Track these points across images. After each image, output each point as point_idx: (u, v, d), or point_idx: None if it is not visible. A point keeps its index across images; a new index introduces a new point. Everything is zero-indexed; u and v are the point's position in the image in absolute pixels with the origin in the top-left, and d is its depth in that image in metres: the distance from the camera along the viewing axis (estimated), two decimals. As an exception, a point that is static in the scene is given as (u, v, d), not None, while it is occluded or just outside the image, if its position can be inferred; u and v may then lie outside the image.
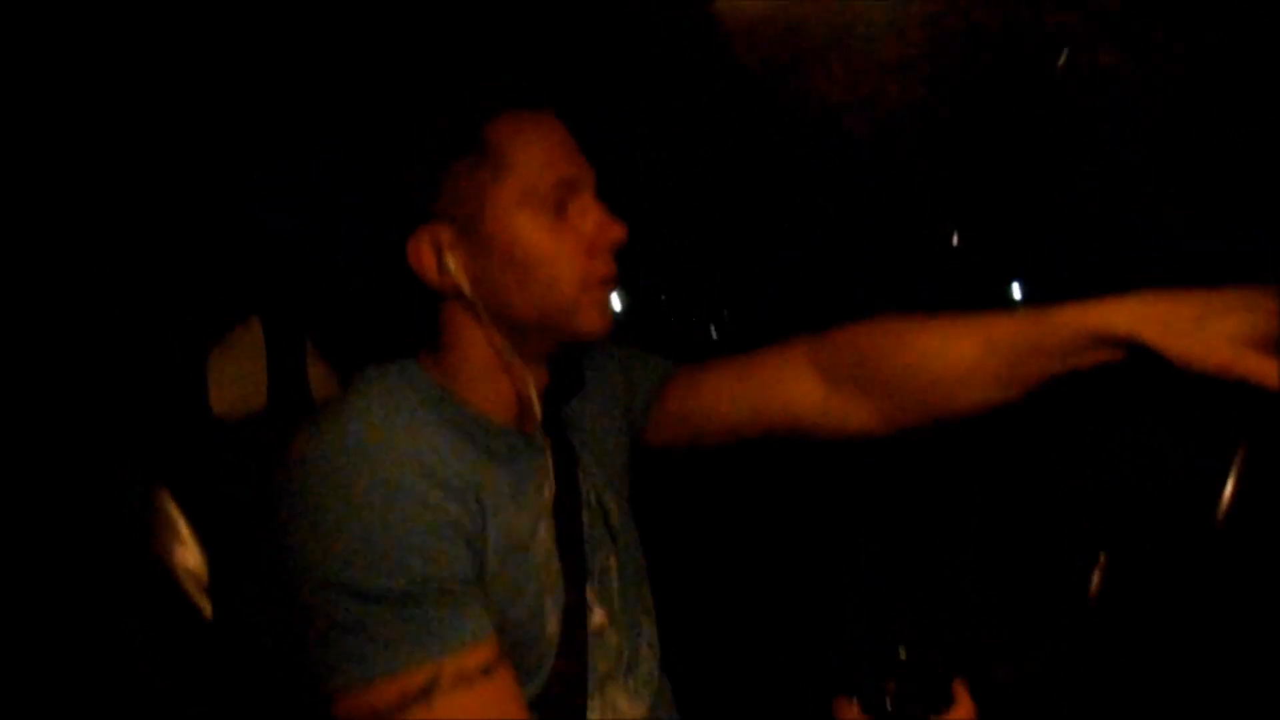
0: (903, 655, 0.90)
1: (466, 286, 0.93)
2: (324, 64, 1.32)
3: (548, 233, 0.93)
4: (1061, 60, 1.11)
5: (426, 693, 0.79)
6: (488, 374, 0.97)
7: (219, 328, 1.07)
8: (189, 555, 0.97)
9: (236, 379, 1.06)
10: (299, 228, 1.31)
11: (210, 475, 0.99)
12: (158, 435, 1.01)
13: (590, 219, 0.96)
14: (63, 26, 1.13)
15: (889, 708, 0.87)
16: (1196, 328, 0.89)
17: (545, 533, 0.97)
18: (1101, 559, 1.23)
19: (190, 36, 1.25)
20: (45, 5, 1.10)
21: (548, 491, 1.00)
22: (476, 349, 0.96)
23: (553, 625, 0.94)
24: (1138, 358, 0.93)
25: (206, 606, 0.96)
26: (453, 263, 0.93)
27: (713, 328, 2.00)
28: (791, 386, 1.12)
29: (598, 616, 1.01)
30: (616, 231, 0.96)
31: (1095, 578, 1.22)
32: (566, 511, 1.02)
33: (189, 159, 1.33)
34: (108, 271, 1.24)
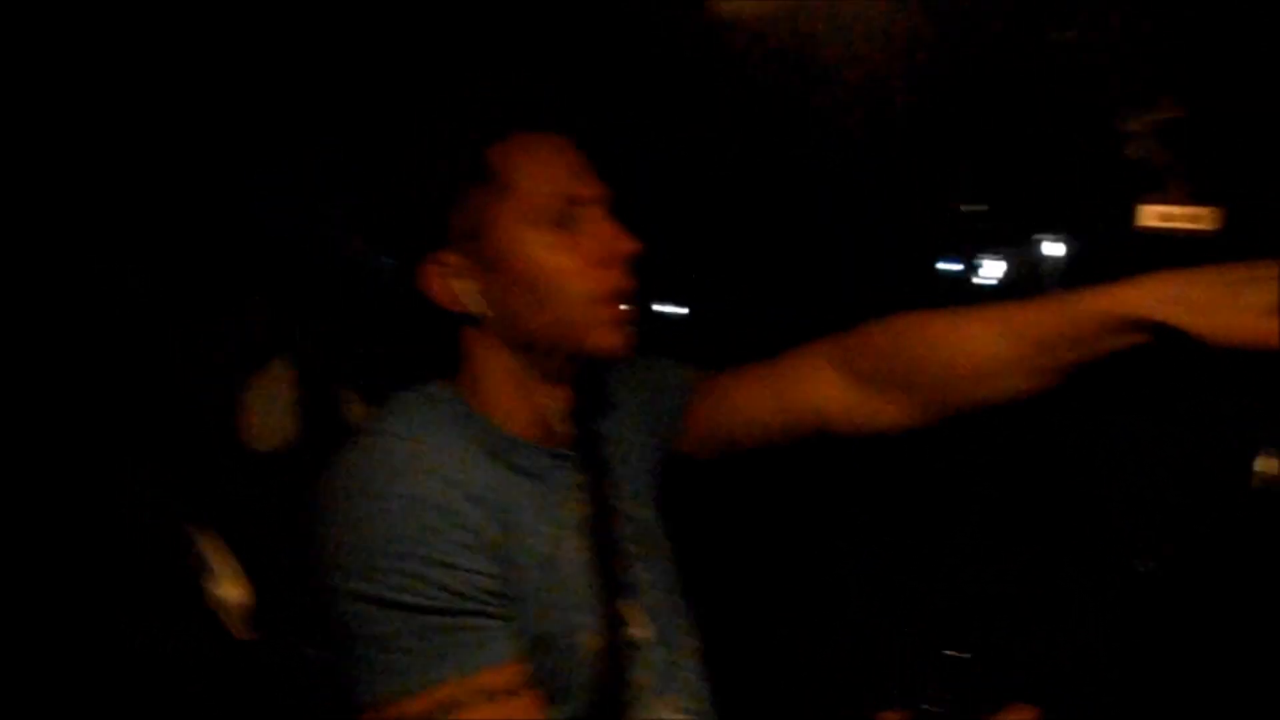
0: (947, 655, 0.89)
1: (480, 311, 0.95)
2: (332, 79, 1.33)
3: (553, 249, 0.93)
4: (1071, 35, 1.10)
5: (454, 708, 0.80)
6: (511, 394, 0.98)
7: (250, 361, 1.08)
8: (234, 589, 0.99)
9: (269, 410, 1.07)
10: (308, 251, 1.33)
11: (248, 507, 1.01)
12: (193, 471, 1.03)
13: (599, 233, 0.96)
14: (77, 33, 1.14)
15: (931, 708, 0.86)
16: (1223, 302, 0.88)
17: (576, 548, 0.97)
18: (1148, 541, 1.21)
19: (212, 47, 1.26)
20: (50, 7, 1.11)
21: (578, 507, 1.01)
22: (498, 370, 0.98)
23: (588, 640, 0.94)
24: (1167, 338, 0.92)
25: (253, 637, 0.97)
26: (463, 289, 0.94)
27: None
28: (819, 388, 1.12)
29: (636, 630, 1.00)
30: (627, 245, 0.96)
31: (1143, 560, 1.20)
32: (599, 527, 1.02)
33: (208, 180, 1.35)
34: (140, 307, 1.26)
